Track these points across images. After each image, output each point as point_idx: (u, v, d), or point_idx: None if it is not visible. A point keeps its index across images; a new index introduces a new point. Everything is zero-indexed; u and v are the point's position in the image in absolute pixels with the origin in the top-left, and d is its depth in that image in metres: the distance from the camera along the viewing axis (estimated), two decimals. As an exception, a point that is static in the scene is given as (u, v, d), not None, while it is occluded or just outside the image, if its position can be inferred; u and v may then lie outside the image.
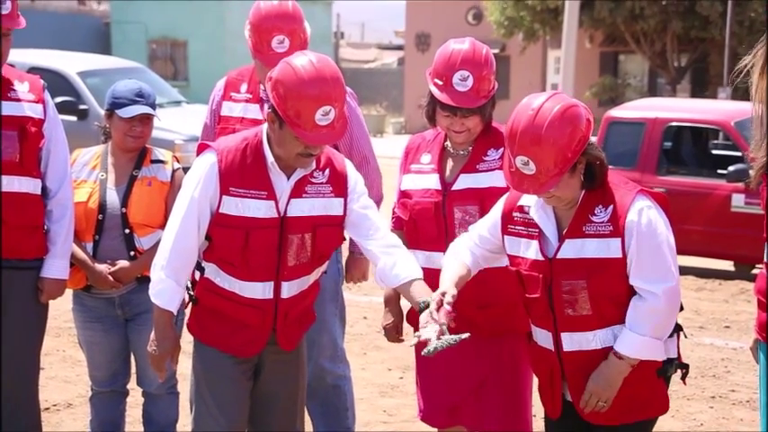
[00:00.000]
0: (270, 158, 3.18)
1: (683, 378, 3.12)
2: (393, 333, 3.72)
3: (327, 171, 3.26)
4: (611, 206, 2.91)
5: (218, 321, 3.28)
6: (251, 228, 3.16)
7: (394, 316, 3.70)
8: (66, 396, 5.33)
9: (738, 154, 8.90)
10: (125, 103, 3.96)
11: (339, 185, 3.26)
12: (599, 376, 2.97)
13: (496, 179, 3.37)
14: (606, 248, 2.90)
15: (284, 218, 3.18)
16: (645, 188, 2.98)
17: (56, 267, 3.80)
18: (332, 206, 3.24)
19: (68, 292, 4.10)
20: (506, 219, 3.12)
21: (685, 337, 3.10)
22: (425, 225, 3.49)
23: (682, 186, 9.49)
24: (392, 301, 3.70)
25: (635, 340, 2.92)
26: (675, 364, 3.05)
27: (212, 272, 3.25)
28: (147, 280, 3.85)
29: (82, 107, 11.21)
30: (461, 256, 3.22)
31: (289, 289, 3.26)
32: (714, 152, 10.27)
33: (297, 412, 3.45)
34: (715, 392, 5.73)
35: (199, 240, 3.20)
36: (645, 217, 2.89)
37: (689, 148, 10.45)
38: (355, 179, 3.31)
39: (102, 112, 4.17)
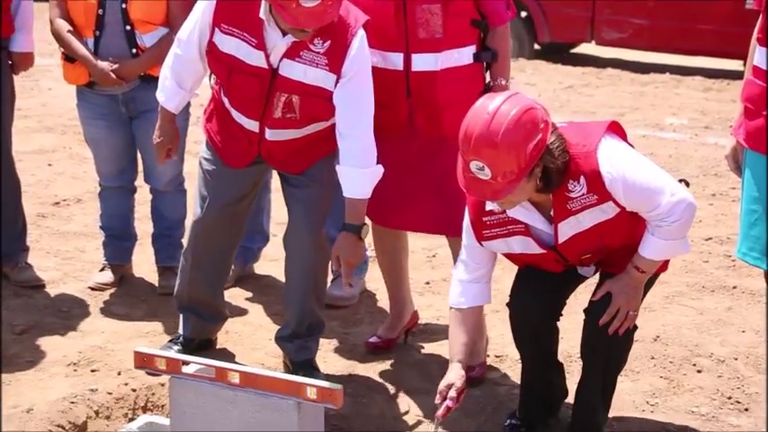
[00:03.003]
0: (263, 11, 3.05)
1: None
2: None
3: (329, 43, 3.08)
4: (582, 177, 2.78)
5: (218, 126, 3.35)
6: (234, 68, 3.13)
7: None
8: (76, 192, 5.41)
9: (758, -52, 8.61)
10: None
11: (336, 61, 3.08)
12: (622, 290, 2.93)
13: None
14: (603, 213, 2.82)
15: (276, 73, 3.10)
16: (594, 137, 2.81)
17: (24, 41, 4.06)
18: (325, 79, 3.11)
19: (72, 89, 4.10)
20: (478, 226, 2.97)
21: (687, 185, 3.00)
22: (385, 25, 3.28)
23: (696, -17, 9.24)
24: None
25: (659, 244, 2.86)
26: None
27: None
28: (151, 79, 3.85)
29: None
30: (461, 307, 3.01)
31: (272, 135, 3.24)
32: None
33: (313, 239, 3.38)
34: (716, 190, 5.81)
35: (200, 54, 3.22)
36: (616, 168, 2.76)
37: (706, -59, 10.10)
38: (352, 61, 3.09)
39: None
